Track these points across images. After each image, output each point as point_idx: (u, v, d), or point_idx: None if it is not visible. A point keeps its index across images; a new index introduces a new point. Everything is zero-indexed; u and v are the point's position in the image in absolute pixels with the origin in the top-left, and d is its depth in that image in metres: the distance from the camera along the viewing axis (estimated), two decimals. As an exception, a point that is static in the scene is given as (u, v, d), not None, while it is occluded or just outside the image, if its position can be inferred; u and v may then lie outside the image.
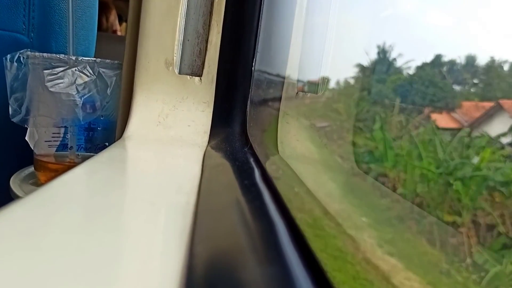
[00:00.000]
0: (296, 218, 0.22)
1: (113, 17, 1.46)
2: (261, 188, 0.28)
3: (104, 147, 0.44)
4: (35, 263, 0.16)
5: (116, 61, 0.43)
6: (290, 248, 0.20)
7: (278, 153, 0.42)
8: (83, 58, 0.41)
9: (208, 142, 0.40)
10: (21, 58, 0.42)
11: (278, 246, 0.20)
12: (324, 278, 0.18)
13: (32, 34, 0.52)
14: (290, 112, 0.44)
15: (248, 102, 0.42)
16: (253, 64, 0.41)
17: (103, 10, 1.39)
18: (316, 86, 0.45)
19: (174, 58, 0.41)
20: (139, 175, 0.31)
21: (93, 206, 0.23)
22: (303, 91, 0.45)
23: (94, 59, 0.41)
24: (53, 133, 0.43)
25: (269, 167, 0.33)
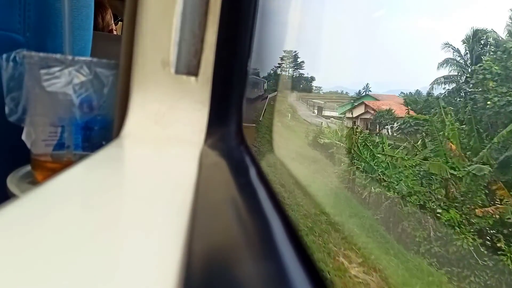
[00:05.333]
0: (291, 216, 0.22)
1: (109, 16, 1.46)
2: (256, 186, 0.28)
3: (101, 146, 0.44)
4: (33, 261, 0.16)
5: (112, 61, 0.43)
6: (284, 244, 0.20)
7: (273, 150, 0.42)
8: (80, 57, 0.41)
9: (205, 141, 0.41)
10: (17, 58, 0.42)
11: (273, 242, 0.20)
12: (318, 272, 0.18)
13: (27, 34, 0.52)
14: (283, 110, 0.44)
15: (244, 101, 0.42)
16: (248, 64, 0.41)
17: (99, 9, 1.39)
18: (309, 85, 0.46)
19: (170, 58, 0.41)
20: (136, 174, 0.32)
21: (91, 204, 0.23)
22: (295, 89, 0.46)
23: (91, 58, 0.42)
24: (50, 132, 0.43)
25: (264, 165, 0.33)
